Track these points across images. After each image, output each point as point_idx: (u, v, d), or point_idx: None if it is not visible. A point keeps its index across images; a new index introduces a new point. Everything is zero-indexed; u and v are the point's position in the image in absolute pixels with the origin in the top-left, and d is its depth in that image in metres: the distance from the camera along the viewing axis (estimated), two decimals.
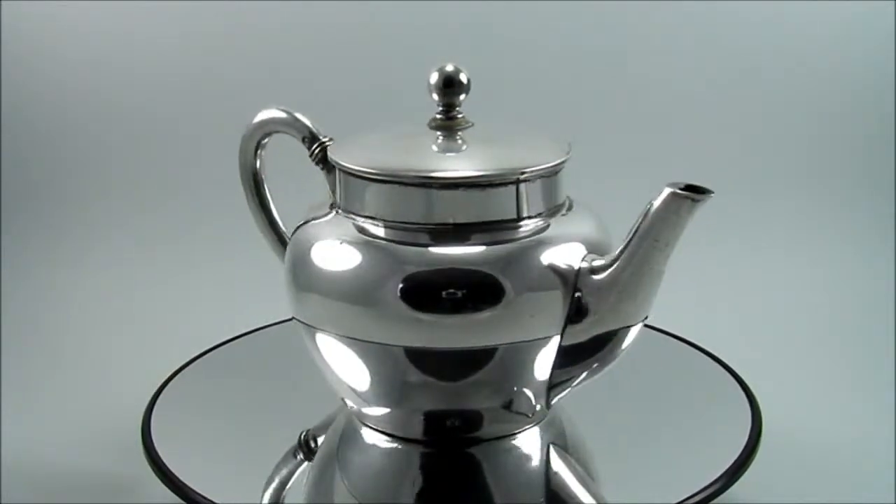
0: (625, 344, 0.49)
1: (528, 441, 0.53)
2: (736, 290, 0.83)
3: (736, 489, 0.51)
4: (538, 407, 0.52)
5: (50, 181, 0.95)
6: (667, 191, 0.46)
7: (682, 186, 0.46)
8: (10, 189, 0.94)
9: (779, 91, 0.98)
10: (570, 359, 0.49)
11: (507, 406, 0.51)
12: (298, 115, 0.56)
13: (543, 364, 0.50)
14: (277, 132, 0.57)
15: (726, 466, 0.51)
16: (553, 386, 0.51)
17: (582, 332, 0.48)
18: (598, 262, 0.48)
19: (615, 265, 0.47)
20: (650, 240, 0.46)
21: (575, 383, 0.50)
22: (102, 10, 0.98)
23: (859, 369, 0.70)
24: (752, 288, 0.83)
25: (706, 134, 0.97)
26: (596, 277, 0.48)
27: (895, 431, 0.61)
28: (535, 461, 0.53)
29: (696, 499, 0.49)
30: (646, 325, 0.67)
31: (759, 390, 0.59)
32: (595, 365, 0.49)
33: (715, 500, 0.50)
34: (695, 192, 0.45)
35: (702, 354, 0.64)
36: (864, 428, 0.62)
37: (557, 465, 0.53)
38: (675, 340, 0.66)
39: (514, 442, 0.53)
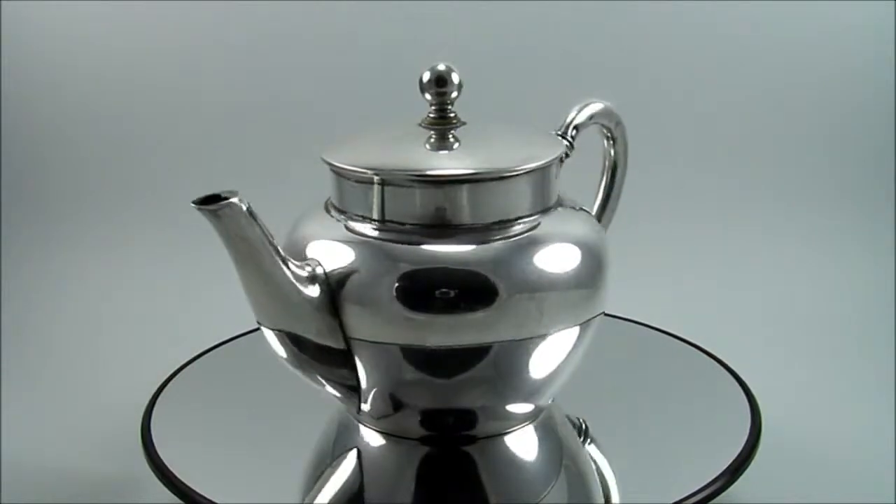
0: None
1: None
2: (735, 290, 0.83)
3: (736, 489, 0.51)
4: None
5: (49, 181, 0.96)
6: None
7: (196, 200, 0.45)
8: (9, 189, 0.94)
9: (779, 90, 0.97)
10: None
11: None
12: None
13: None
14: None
15: (726, 466, 0.51)
16: None
17: None
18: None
19: None
20: None
21: None
22: (101, 8, 0.99)
23: (859, 369, 0.70)
24: (752, 287, 0.83)
25: (706, 133, 0.96)
26: None
27: (895, 431, 0.61)
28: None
29: (696, 498, 0.49)
30: (645, 326, 0.68)
31: (759, 390, 0.58)
32: None
33: (715, 500, 0.49)
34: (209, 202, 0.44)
35: (702, 354, 0.63)
36: (864, 428, 0.62)
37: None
38: (675, 340, 0.66)
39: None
